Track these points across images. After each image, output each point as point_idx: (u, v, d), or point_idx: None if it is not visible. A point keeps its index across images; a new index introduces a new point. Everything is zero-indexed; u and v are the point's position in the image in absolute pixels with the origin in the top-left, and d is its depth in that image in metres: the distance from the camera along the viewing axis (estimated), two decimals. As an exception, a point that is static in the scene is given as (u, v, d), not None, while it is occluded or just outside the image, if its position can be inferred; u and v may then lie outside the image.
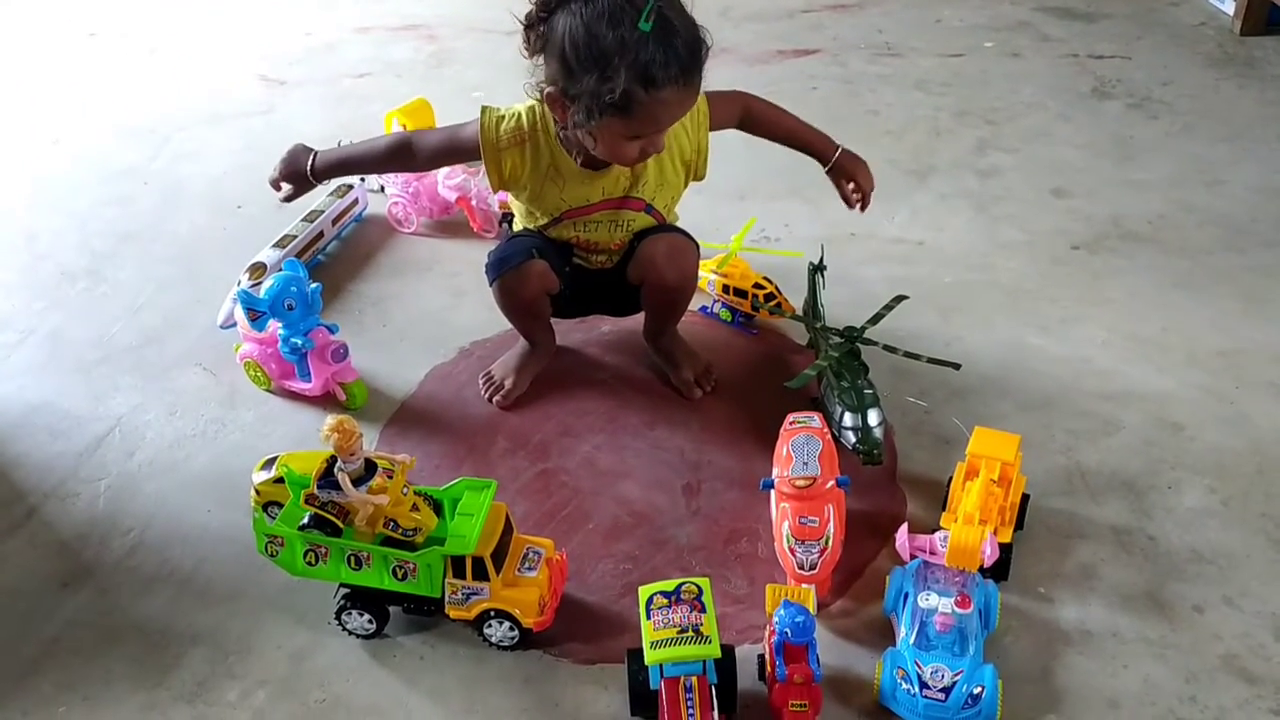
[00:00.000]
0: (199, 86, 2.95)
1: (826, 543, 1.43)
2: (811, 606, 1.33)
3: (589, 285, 1.79)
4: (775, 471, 1.53)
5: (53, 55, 3.18)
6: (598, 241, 1.74)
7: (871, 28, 3.18)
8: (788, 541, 1.44)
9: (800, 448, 1.52)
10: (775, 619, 1.29)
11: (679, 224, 1.81)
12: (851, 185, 1.81)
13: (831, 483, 1.47)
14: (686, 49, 1.47)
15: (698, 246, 1.77)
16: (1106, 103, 2.73)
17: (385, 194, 2.30)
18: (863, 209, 1.83)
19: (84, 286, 2.16)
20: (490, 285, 1.77)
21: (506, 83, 2.87)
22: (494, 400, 1.82)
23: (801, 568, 1.43)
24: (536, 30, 1.51)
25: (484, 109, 1.67)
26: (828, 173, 1.83)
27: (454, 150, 1.72)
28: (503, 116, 1.66)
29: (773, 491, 1.53)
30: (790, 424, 1.59)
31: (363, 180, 2.35)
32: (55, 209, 2.42)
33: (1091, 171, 2.45)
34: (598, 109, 1.47)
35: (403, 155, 1.75)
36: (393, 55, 3.10)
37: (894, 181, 2.42)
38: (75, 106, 2.87)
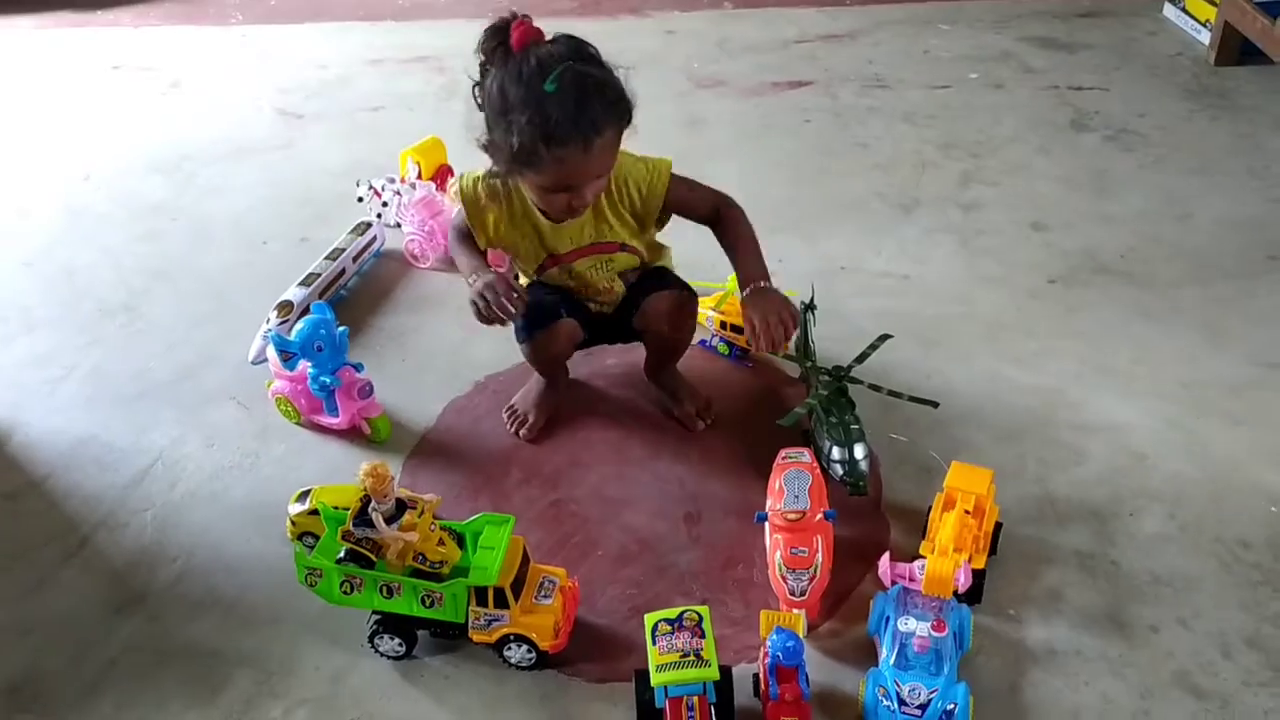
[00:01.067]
0: (220, 120, 3.10)
1: (815, 571, 1.57)
2: (801, 631, 1.47)
3: (593, 325, 1.93)
4: (769, 503, 1.67)
5: (78, 89, 3.32)
6: (591, 283, 1.86)
7: (862, 59, 3.32)
8: (780, 570, 1.58)
9: (791, 481, 1.66)
10: (768, 643, 1.44)
11: (675, 264, 1.94)
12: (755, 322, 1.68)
13: (820, 515, 1.62)
14: (591, 112, 1.54)
15: (696, 298, 1.91)
16: (1084, 135, 2.87)
17: (402, 230, 2.44)
18: (763, 348, 1.68)
19: (121, 322, 2.30)
20: (520, 343, 1.89)
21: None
22: (520, 434, 1.95)
23: (793, 594, 1.57)
24: (480, 85, 1.63)
25: (460, 175, 1.80)
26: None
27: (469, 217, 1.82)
28: (479, 176, 1.76)
29: (766, 522, 1.67)
30: (783, 459, 1.73)
31: (379, 217, 2.49)
32: (90, 245, 2.56)
33: (1068, 205, 2.59)
34: (506, 161, 1.61)
35: (468, 237, 1.84)
36: (404, 88, 3.24)
37: (882, 215, 2.57)
38: (104, 141, 3.02)
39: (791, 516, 1.60)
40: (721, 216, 1.80)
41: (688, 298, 1.89)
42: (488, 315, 1.68)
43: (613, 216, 1.79)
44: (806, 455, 1.72)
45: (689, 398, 1.98)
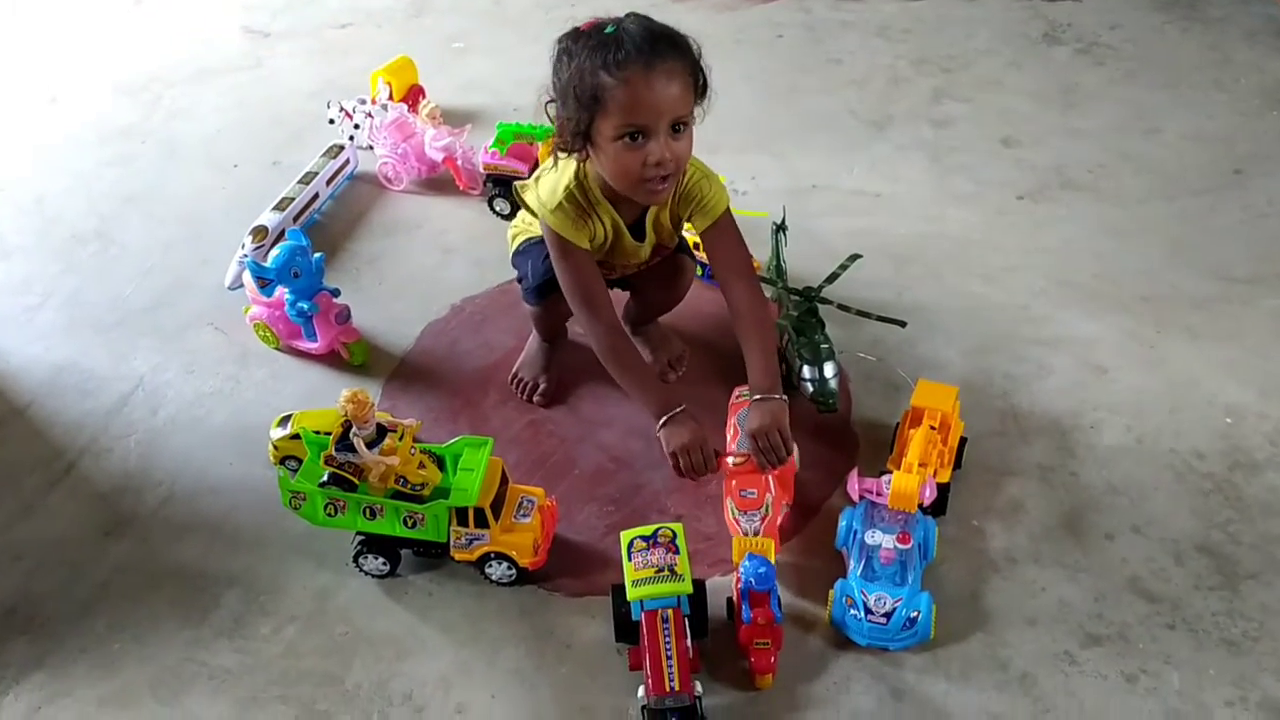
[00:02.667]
0: (185, 39, 3.05)
1: (766, 510, 1.60)
2: (772, 558, 1.52)
3: None
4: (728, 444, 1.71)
5: (38, 8, 3.25)
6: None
7: (836, -31, 3.28)
8: (732, 513, 1.62)
9: (743, 422, 1.69)
10: (740, 569, 1.50)
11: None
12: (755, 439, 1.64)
13: None
14: (654, 40, 1.53)
15: (695, 263, 1.91)
16: (1056, 48, 2.88)
17: (375, 153, 2.43)
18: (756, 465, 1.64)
19: (95, 249, 2.30)
20: (531, 305, 1.86)
21: (484, 32, 3.00)
22: (534, 400, 1.92)
23: (746, 534, 1.60)
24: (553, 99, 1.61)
25: (545, 211, 1.68)
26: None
27: (578, 261, 1.70)
28: (559, 204, 1.66)
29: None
30: (736, 397, 1.77)
31: (351, 140, 2.48)
32: (60, 170, 2.55)
33: (1038, 120, 2.60)
34: (579, 115, 1.55)
35: (599, 309, 1.71)
36: (372, 4, 3.19)
37: (854, 132, 2.59)
38: (68, 63, 2.97)
39: (737, 460, 1.64)
40: (746, 295, 1.72)
41: (686, 263, 1.89)
42: (686, 473, 1.65)
43: (669, 220, 1.76)
44: None
45: (664, 349, 1.98)
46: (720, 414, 1.80)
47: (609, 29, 1.54)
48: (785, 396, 1.66)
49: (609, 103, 1.53)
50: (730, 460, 1.64)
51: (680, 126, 1.57)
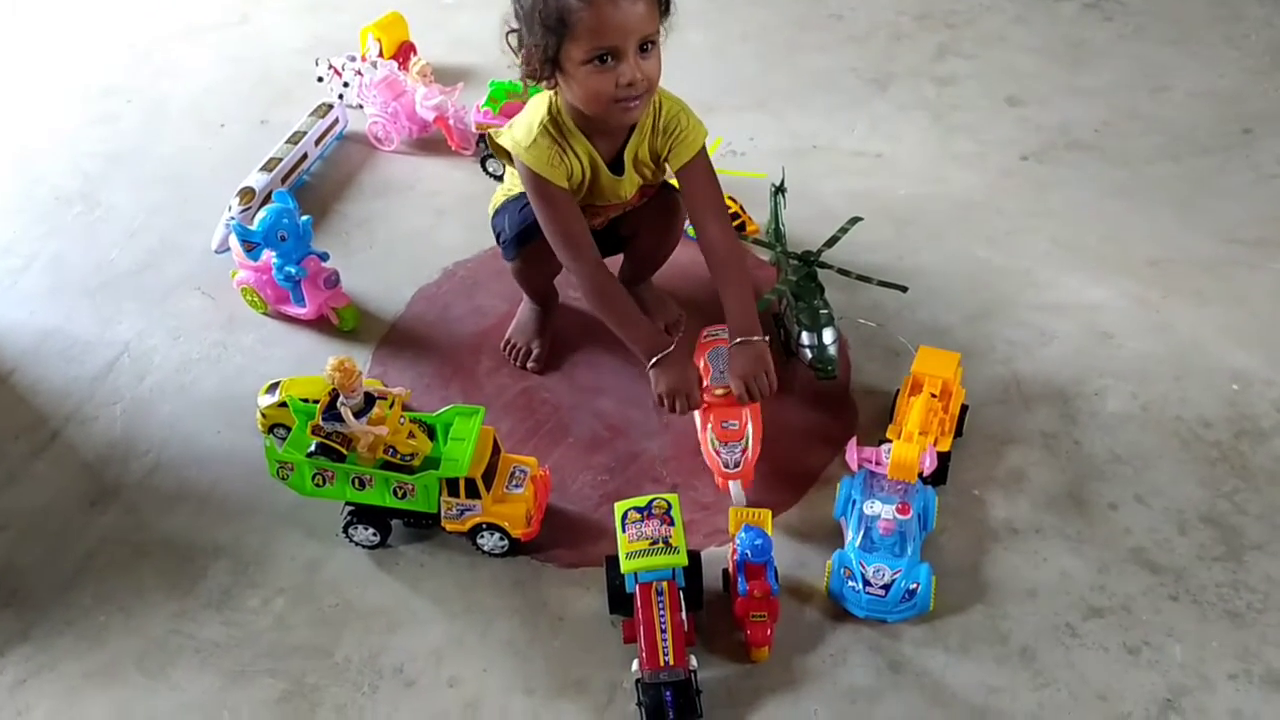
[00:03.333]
0: (172, -7, 2.98)
1: (746, 443, 1.60)
2: (769, 529, 1.49)
3: None
4: None
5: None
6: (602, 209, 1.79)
7: (837, -78, 3.20)
8: (712, 444, 1.61)
9: (715, 359, 1.69)
10: (736, 540, 1.46)
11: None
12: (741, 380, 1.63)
13: None
14: None
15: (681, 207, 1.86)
16: (1062, 3, 2.81)
17: (365, 112, 2.38)
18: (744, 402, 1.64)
19: (79, 210, 2.25)
20: (511, 260, 1.82)
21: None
22: (528, 367, 1.88)
23: (727, 466, 1.59)
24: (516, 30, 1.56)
25: (520, 150, 1.63)
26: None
27: (557, 201, 1.65)
28: (534, 141, 1.62)
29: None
30: (705, 338, 1.76)
31: (340, 98, 2.42)
32: (44, 129, 2.49)
33: (1044, 78, 2.54)
34: (546, 41, 1.50)
35: (582, 250, 1.67)
36: (362, -43, 3.11)
37: (856, 91, 2.53)
38: (52, 19, 2.90)
39: (719, 392, 1.63)
40: (720, 235, 1.70)
41: (675, 200, 1.83)
42: (670, 411, 1.64)
43: (649, 156, 1.71)
44: (725, 332, 1.71)
45: (660, 312, 1.94)
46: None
47: None
48: (766, 336, 1.65)
49: (575, 26, 1.49)
50: (716, 391, 1.63)
51: (648, 45, 1.53)
